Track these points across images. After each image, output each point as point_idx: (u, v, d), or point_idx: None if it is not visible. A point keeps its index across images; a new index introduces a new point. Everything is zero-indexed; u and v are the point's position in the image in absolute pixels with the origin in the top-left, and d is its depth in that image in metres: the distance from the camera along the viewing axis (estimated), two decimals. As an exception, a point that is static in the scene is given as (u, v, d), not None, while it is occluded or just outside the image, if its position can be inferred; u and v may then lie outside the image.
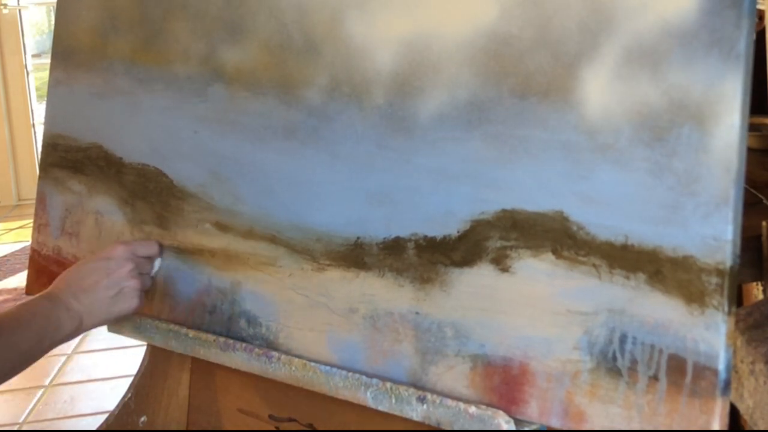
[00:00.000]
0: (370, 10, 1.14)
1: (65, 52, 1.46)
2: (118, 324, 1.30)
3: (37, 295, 1.22)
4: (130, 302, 1.23)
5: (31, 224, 1.49)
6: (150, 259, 1.29)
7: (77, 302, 1.20)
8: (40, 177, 1.50)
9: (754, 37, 0.93)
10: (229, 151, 1.26)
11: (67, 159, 1.45)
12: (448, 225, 1.06)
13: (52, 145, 1.48)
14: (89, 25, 1.44)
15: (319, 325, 1.16)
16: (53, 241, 1.46)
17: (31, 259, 1.50)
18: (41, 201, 1.49)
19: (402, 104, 1.10)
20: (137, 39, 1.37)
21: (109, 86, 1.40)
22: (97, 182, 1.41)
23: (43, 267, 1.47)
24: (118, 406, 1.30)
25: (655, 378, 0.90)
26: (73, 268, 1.25)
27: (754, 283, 1.33)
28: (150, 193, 1.34)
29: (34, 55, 6.51)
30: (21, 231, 4.77)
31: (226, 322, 1.24)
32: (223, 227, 1.26)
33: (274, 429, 1.25)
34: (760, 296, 1.26)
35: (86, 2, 1.44)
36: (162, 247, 1.32)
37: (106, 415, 1.30)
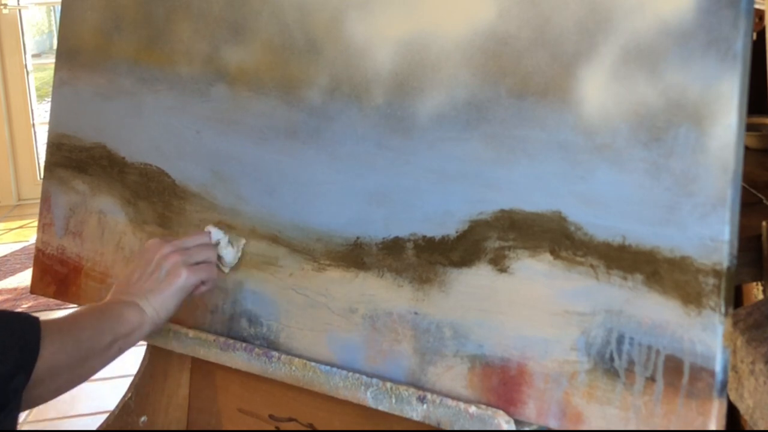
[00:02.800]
0: (370, 11, 1.14)
1: (70, 52, 1.47)
2: (178, 304, 1.21)
3: None
4: (177, 275, 1.18)
5: (32, 224, 1.50)
6: (202, 246, 1.24)
7: (129, 295, 1.18)
8: (44, 176, 1.51)
9: (753, 36, 0.92)
10: (232, 150, 1.26)
11: (71, 159, 1.46)
12: (446, 225, 1.06)
13: (56, 145, 1.48)
14: (93, 26, 1.44)
15: (319, 324, 1.16)
16: (57, 241, 1.47)
17: (36, 259, 1.51)
18: (46, 200, 1.49)
19: (401, 104, 1.10)
20: (141, 39, 1.37)
21: (113, 86, 1.40)
22: (100, 182, 1.41)
23: (48, 266, 1.48)
24: (118, 406, 1.30)
25: (652, 379, 0.90)
26: (120, 275, 1.24)
27: (754, 283, 1.32)
28: (152, 192, 1.35)
29: (34, 55, 6.54)
30: (21, 231, 4.78)
31: (228, 321, 1.24)
32: (225, 227, 1.26)
33: (274, 429, 1.25)
34: (760, 296, 1.25)
35: (90, 3, 1.45)
36: (223, 231, 1.27)
37: (106, 415, 1.30)
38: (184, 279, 1.18)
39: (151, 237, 1.34)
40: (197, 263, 1.21)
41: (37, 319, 1.07)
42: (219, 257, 1.26)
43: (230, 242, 1.26)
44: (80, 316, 1.15)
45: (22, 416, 2.66)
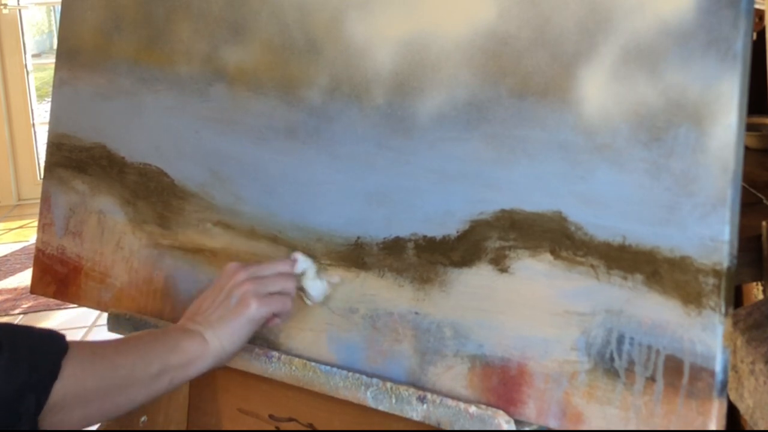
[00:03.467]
0: (370, 11, 1.14)
1: (70, 52, 1.47)
2: (246, 337, 1.13)
3: None
4: (246, 305, 1.10)
5: (32, 224, 1.50)
6: (280, 276, 1.15)
7: (194, 323, 1.11)
8: (45, 176, 1.51)
9: (753, 36, 0.93)
10: (231, 150, 1.26)
11: (71, 159, 1.46)
12: (447, 225, 1.06)
13: (56, 145, 1.48)
14: (93, 26, 1.44)
15: (319, 324, 1.16)
16: (57, 241, 1.47)
17: (36, 259, 1.50)
18: (46, 200, 1.49)
19: (401, 104, 1.10)
20: (141, 39, 1.37)
21: (113, 86, 1.40)
22: (99, 182, 1.41)
23: (48, 266, 1.48)
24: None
25: (652, 379, 0.90)
26: (193, 302, 1.17)
27: (754, 283, 1.32)
28: (151, 192, 1.35)
29: (34, 55, 6.54)
30: (21, 231, 4.78)
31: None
32: (224, 227, 1.26)
33: (274, 429, 1.25)
34: (760, 296, 1.25)
35: (90, 3, 1.45)
36: (312, 260, 1.18)
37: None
38: (253, 310, 1.10)
39: (151, 236, 1.34)
40: (271, 293, 1.13)
41: (62, 338, 1.00)
42: (303, 289, 1.17)
43: (318, 274, 1.17)
44: (126, 341, 1.09)
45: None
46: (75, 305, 1.84)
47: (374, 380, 1.08)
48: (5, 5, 5.41)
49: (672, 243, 0.90)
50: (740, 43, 0.87)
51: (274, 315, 1.14)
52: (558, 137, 0.98)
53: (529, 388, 0.98)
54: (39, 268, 1.49)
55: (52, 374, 0.95)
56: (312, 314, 1.17)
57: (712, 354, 0.87)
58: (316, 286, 1.17)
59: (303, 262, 1.17)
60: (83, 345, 1.03)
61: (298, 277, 1.17)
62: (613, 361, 0.93)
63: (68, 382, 0.96)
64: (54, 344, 0.98)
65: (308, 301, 1.17)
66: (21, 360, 0.94)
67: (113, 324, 1.35)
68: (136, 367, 1.03)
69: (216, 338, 1.09)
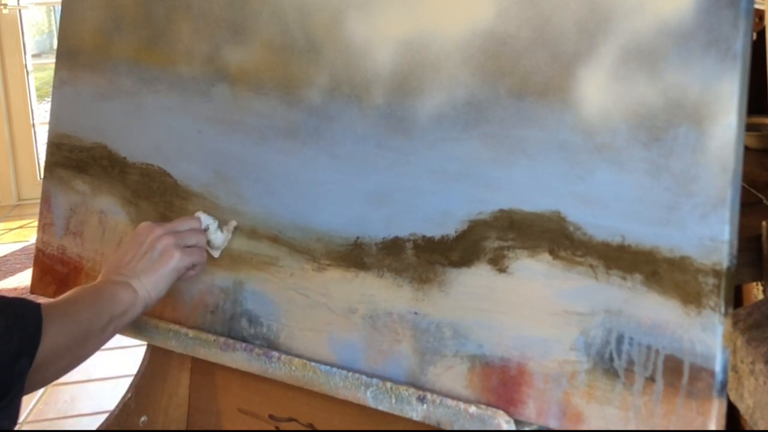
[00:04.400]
0: (370, 11, 1.14)
1: (70, 52, 1.47)
2: (169, 284, 1.22)
3: None
4: (170, 256, 1.20)
5: (32, 224, 1.50)
6: (193, 231, 1.25)
7: (122, 276, 1.19)
8: (45, 176, 1.51)
9: (753, 36, 0.92)
10: (233, 150, 1.26)
11: (71, 159, 1.46)
12: (446, 225, 1.06)
13: (57, 145, 1.48)
14: (93, 26, 1.44)
15: (319, 324, 1.16)
16: (58, 241, 1.47)
17: (36, 259, 1.50)
18: (46, 201, 1.49)
19: (401, 104, 1.10)
20: (141, 39, 1.37)
21: (113, 86, 1.40)
22: (100, 182, 1.41)
23: (48, 266, 1.48)
24: (118, 406, 1.30)
25: (651, 379, 0.90)
26: (110, 257, 1.26)
27: (754, 283, 1.32)
28: (154, 192, 1.35)
29: (34, 55, 6.53)
30: (21, 231, 4.77)
31: (228, 321, 1.24)
32: (213, 212, 1.26)
33: (274, 429, 1.25)
34: (760, 296, 1.25)
35: (90, 3, 1.45)
36: (213, 217, 1.28)
37: (106, 415, 1.30)
38: (177, 260, 1.20)
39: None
40: (189, 246, 1.23)
41: (37, 303, 1.08)
42: (208, 242, 1.27)
43: (219, 227, 1.27)
44: (77, 298, 1.16)
45: (22, 416, 2.66)
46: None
47: (374, 380, 1.08)
48: (5, 5, 5.41)
49: (672, 243, 0.90)
50: (740, 43, 0.87)
51: (192, 265, 1.23)
52: (557, 137, 0.98)
53: (528, 388, 0.98)
54: (39, 268, 1.50)
55: (37, 336, 1.05)
56: (312, 314, 1.17)
57: (712, 354, 0.87)
58: (218, 237, 1.27)
59: (205, 219, 1.27)
60: (51, 306, 1.10)
61: (203, 232, 1.27)
62: (612, 361, 0.93)
63: (48, 343, 1.06)
64: (33, 310, 1.07)
65: (214, 252, 1.27)
66: (11, 326, 1.02)
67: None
68: (92, 321, 1.13)
69: (143, 287, 1.18)
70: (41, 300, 1.13)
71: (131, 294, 1.17)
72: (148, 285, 1.18)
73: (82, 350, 1.13)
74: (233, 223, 1.26)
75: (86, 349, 1.13)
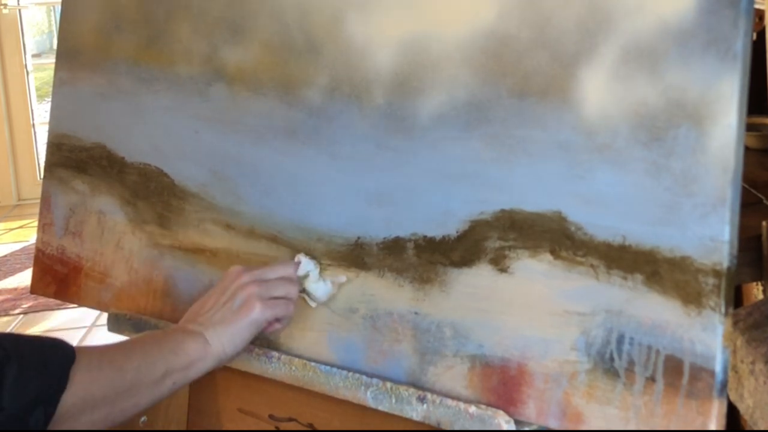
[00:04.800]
0: (370, 11, 1.14)
1: (70, 52, 1.47)
2: (247, 339, 1.12)
3: None
4: (250, 308, 1.09)
5: (32, 224, 1.50)
6: (284, 280, 1.14)
7: (196, 324, 1.10)
8: (45, 176, 1.51)
9: (753, 36, 0.92)
10: (231, 150, 1.26)
11: (71, 159, 1.46)
12: (447, 225, 1.06)
13: (56, 145, 1.48)
14: (93, 26, 1.44)
15: (319, 324, 1.16)
16: (57, 241, 1.47)
17: (36, 259, 1.50)
18: (46, 201, 1.49)
19: (401, 104, 1.10)
20: (140, 39, 1.37)
21: (113, 86, 1.40)
22: (99, 182, 1.41)
23: (48, 266, 1.48)
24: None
25: (652, 379, 0.90)
26: (194, 303, 1.16)
27: (754, 283, 1.32)
28: (151, 192, 1.35)
29: (34, 55, 6.53)
30: (21, 231, 4.77)
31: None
32: (224, 227, 1.26)
33: (274, 429, 1.25)
34: (760, 296, 1.25)
35: (90, 3, 1.45)
36: (315, 262, 1.18)
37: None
38: (257, 313, 1.10)
39: (151, 236, 1.34)
40: (275, 297, 1.12)
41: (69, 346, 0.99)
42: (306, 291, 1.17)
43: (321, 275, 1.17)
44: (130, 345, 1.07)
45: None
46: (75, 305, 1.83)
47: (374, 380, 1.08)
48: (5, 5, 5.41)
49: (672, 243, 0.90)
50: (740, 43, 0.87)
51: (276, 319, 1.13)
52: (558, 137, 0.98)
53: (529, 388, 0.98)
54: (39, 268, 1.49)
55: (60, 385, 0.95)
56: (312, 314, 1.17)
57: (712, 354, 0.87)
58: (319, 288, 1.17)
59: (306, 265, 1.17)
60: (90, 351, 1.01)
61: (301, 280, 1.17)
62: (612, 361, 0.93)
63: (76, 390, 0.96)
64: (61, 354, 0.97)
65: (312, 303, 1.17)
66: (30, 373, 0.92)
67: (113, 324, 1.35)
68: (141, 370, 1.02)
69: (217, 339, 1.08)
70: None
71: (201, 346, 1.07)
72: (224, 338, 1.09)
73: (126, 402, 1.02)
74: (342, 278, 1.16)
75: (131, 402, 1.02)
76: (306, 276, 1.17)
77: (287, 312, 1.13)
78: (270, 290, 1.12)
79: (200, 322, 1.10)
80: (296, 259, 1.18)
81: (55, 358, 0.96)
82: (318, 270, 1.17)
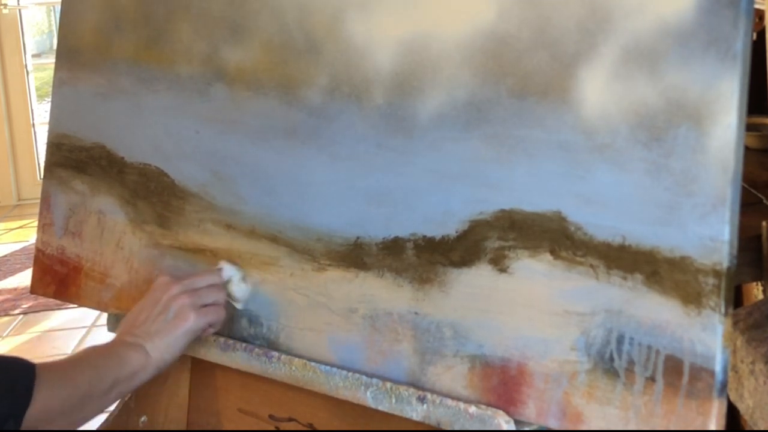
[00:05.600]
0: (370, 11, 1.14)
1: (70, 52, 1.47)
2: (184, 346, 1.19)
3: None
4: (185, 318, 1.16)
5: (32, 224, 1.50)
6: (212, 287, 1.21)
7: (135, 337, 1.15)
8: (44, 176, 1.51)
9: (753, 36, 0.92)
10: (231, 150, 1.26)
11: (71, 159, 1.46)
12: (446, 225, 1.06)
13: (56, 145, 1.48)
14: (93, 26, 1.44)
15: (319, 325, 1.16)
16: (57, 241, 1.47)
17: (36, 259, 1.51)
18: (45, 201, 1.49)
19: (401, 104, 1.10)
20: (140, 39, 1.37)
21: (113, 86, 1.40)
22: (99, 182, 1.41)
23: (48, 266, 1.48)
24: (118, 406, 1.30)
25: (652, 379, 0.90)
26: (126, 315, 1.22)
27: (754, 283, 1.32)
28: (151, 192, 1.35)
29: (34, 55, 6.54)
30: (21, 231, 4.77)
31: (228, 321, 1.24)
32: (224, 227, 1.26)
33: (274, 429, 1.25)
34: (760, 296, 1.25)
35: (90, 3, 1.45)
36: (237, 267, 1.24)
37: (106, 415, 1.30)
38: (191, 323, 1.17)
39: (151, 236, 1.34)
40: (206, 305, 1.19)
41: (31, 364, 1.05)
42: (230, 294, 1.23)
43: (243, 278, 1.24)
44: (80, 360, 1.13)
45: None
46: (75, 305, 1.84)
47: (374, 380, 1.08)
48: (5, 5, 5.42)
49: (672, 243, 0.90)
50: (740, 43, 0.87)
51: (209, 325, 1.20)
52: (558, 137, 0.98)
53: (528, 388, 0.98)
54: (39, 268, 1.50)
55: (25, 399, 1.01)
56: (312, 314, 1.17)
57: (712, 354, 0.87)
58: (242, 290, 1.23)
59: (228, 270, 1.24)
60: (48, 367, 1.07)
61: (225, 284, 1.23)
62: (612, 361, 0.93)
63: (39, 405, 1.02)
64: (24, 373, 1.04)
65: (237, 304, 1.24)
66: (2, 388, 1.00)
67: (113, 324, 1.35)
68: (93, 383, 1.09)
69: (156, 350, 1.15)
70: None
71: (142, 357, 1.14)
72: (162, 347, 1.15)
73: (80, 413, 1.09)
74: (257, 278, 1.23)
75: (84, 413, 1.10)
76: (229, 280, 1.23)
77: (219, 317, 1.20)
78: (201, 298, 1.19)
79: (137, 334, 1.16)
80: (219, 266, 1.24)
81: (19, 375, 1.03)
82: (240, 274, 1.24)
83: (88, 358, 1.13)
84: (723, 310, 0.87)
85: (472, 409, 1.00)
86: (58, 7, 1.59)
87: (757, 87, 1.07)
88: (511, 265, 1.01)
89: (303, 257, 1.18)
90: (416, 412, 1.04)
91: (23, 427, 1.00)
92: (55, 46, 2.13)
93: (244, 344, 1.20)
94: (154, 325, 1.16)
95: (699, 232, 0.88)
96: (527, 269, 0.99)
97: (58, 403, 1.05)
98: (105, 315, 1.39)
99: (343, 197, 1.15)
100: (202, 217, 1.29)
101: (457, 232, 1.05)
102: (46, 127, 1.59)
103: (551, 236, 0.98)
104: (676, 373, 0.89)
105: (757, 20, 1.49)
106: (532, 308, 0.99)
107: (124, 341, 1.15)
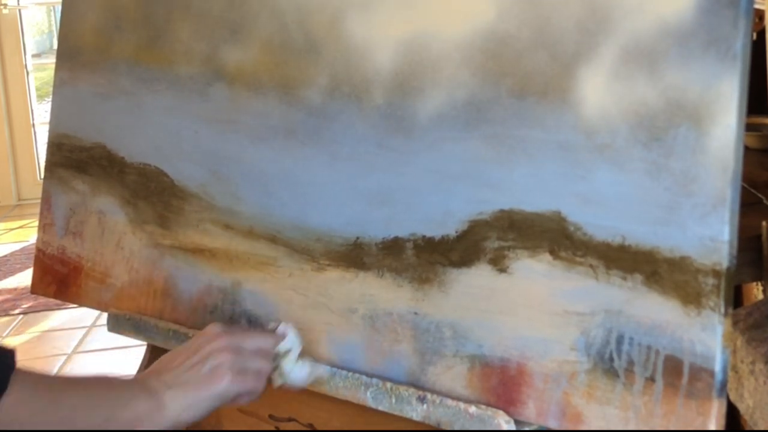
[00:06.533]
0: (370, 11, 1.14)
1: (70, 52, 1.47)
2: (208, 410, 1.05)
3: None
4: (219, 377, 1.02)
5: (32, 224, 1.50)
6: (261, 352, 1.08)
7: (158, 382, 1.02)
8: (45, 176, 1.51)
9: (753, 36, 0.92)
10: (230, 150, 1.26)
11: (71, 159, 1.46)
12: (446, 225, 1.06)
13: (57, 145, 1.48)
14: (94, 26, 1.44)
15: (318, 325, 1.16)
16: (58, 241, 1.47)
17: (36, 259, 1.51)
18: (46, 201, 1.49)
19: (401, 104, 1.10)
20: (141, 39, 1.37)
21: (113, 86, 1.41)
22: (100, 182, 1.41)
23: (48, 266, 1.48)
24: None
25: (651, 379, 0.90)
26: (166, 353, 1.09)
27: (754, 283, 1.32)
28: (151, 192, 1.35)
29: (34, 55, 6.55)
30: (21, 231, 4.78)
31: (227, 321, 1.24)
32: (223, 227, 1.26)
33: (274, 429, 1.25)
34: (760, 296, 1.25)
35: (90, 3, 1.45)
36: (300, 339, 1.12)
37: (106, 415, 1.30)
38: (224, 386, 1.03)
39: (151, 236, 1.34)
40: (247, 370, 1.05)
41: (12, 353, 0.94)
42: (280, 368, 1.10)
43: (302, 357, 1.11)
44: (75, 381, 1.03)
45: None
46: (75, 305, 1.84)
47: (374, 380, 1.08)
48: (5, 5, 5.42)
49: (672, 243, 0.90)
50: (740, 43, 0.87)
51: (243, 395, 1.06)
52: (558, 137, 0.98)
53: (528, 388, 0.98)
54: (39, 268, 1.50)
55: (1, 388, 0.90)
56: (311, 314, 1.17)
57: (712, 354, 0.87)
58: (295, 371, 1.10)
59: (291, 339, 1.11)
60: (29, 373, 0.95)
61: (280, 355, 1.10)
62: (612, 361, 0.93)
63: (8, 404, 0.90)
64: (4, 359, 0.92)
65: (278, 381, 1.10)
66: None
67: (113, 324, 1.35)
68: (77, 411, 0.96)
69: (177, 403, 1.01)
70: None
71: (152, 404, 0.99)
72: (183, 404, 1.01)
73: None
74: (322, 368, 1.11)
75: None
76: (286, 353, 1.10)
77: (256, 389, 1.07)
78: (245, 362, 1.05)
79: (164, 379, 1.02)
80: (280, 330, 1.11)
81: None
82: (300, 349, 1.11)
83: (87, 384, 1.01)
84: (723, 310, 0.86)
85: (472, 409, 1.00)
86: (58, 7, 1.59)
87: (757, 87, 1.07)
88: (510, 265, 1.01)
89: (302, 257, 1.18)
90: (416, 412, 1.04)
91: None
92: (55, 46, 2.13)
93: (244, 344, 1.20)
94: (185, 374, 1.03)
95: (699, 232, 0.88)
96: (527, 269, 0.99)
97: (27, 414, 0.92)
98: (105, 315, 1.38)
99: (342, 197, 1.15)
100: (201, 217, 1.29)
101: (456, 232, 1.05)
102: (46, 127, 1.59)
103: (551, 236, 0.98)
104: (676, 373, 0.89)
105: (757, 20, 1.49)
106: (532, 308, 0.99)
107: (144, 382, 1.03)
